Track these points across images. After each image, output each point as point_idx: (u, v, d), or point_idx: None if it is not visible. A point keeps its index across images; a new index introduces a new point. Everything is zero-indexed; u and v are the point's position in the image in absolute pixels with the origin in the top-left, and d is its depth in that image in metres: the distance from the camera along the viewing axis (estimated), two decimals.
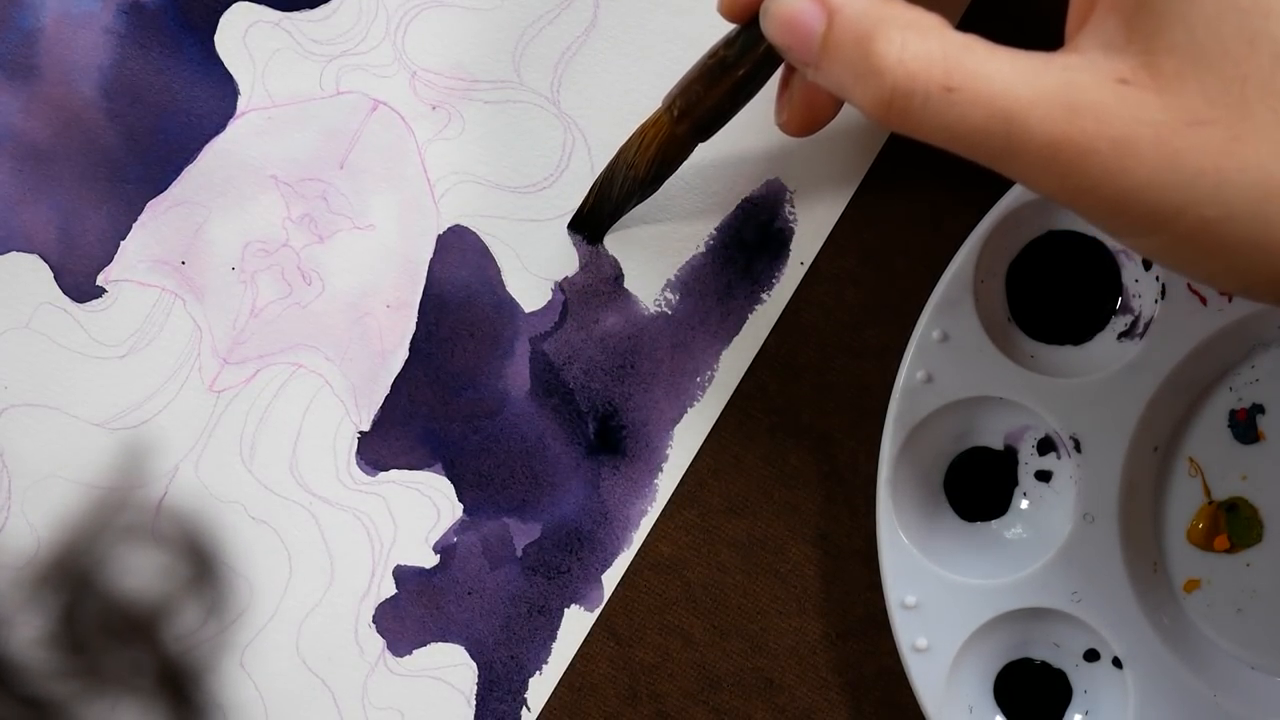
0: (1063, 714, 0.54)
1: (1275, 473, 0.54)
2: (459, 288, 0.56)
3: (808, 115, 0.50)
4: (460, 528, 0.56)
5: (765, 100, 0.53)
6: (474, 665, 0.56)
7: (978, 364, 0.53)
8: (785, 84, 0.50)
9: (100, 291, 0.56)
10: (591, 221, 0.55)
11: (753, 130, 0.55)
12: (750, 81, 0.50)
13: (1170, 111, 0.41)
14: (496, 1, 0.56)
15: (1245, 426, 0.54)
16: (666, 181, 0.53)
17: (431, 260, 0.56)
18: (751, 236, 0.56)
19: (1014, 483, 0.55)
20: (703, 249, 0.56)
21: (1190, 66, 0.41)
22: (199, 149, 0.56)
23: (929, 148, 0.55)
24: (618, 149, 0.53)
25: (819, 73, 0.45)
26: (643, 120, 0.52)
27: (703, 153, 0.54)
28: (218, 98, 0.56)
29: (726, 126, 0.52)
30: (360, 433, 0.56)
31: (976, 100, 0.42)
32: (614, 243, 0.56)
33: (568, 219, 0.56)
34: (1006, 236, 0.53)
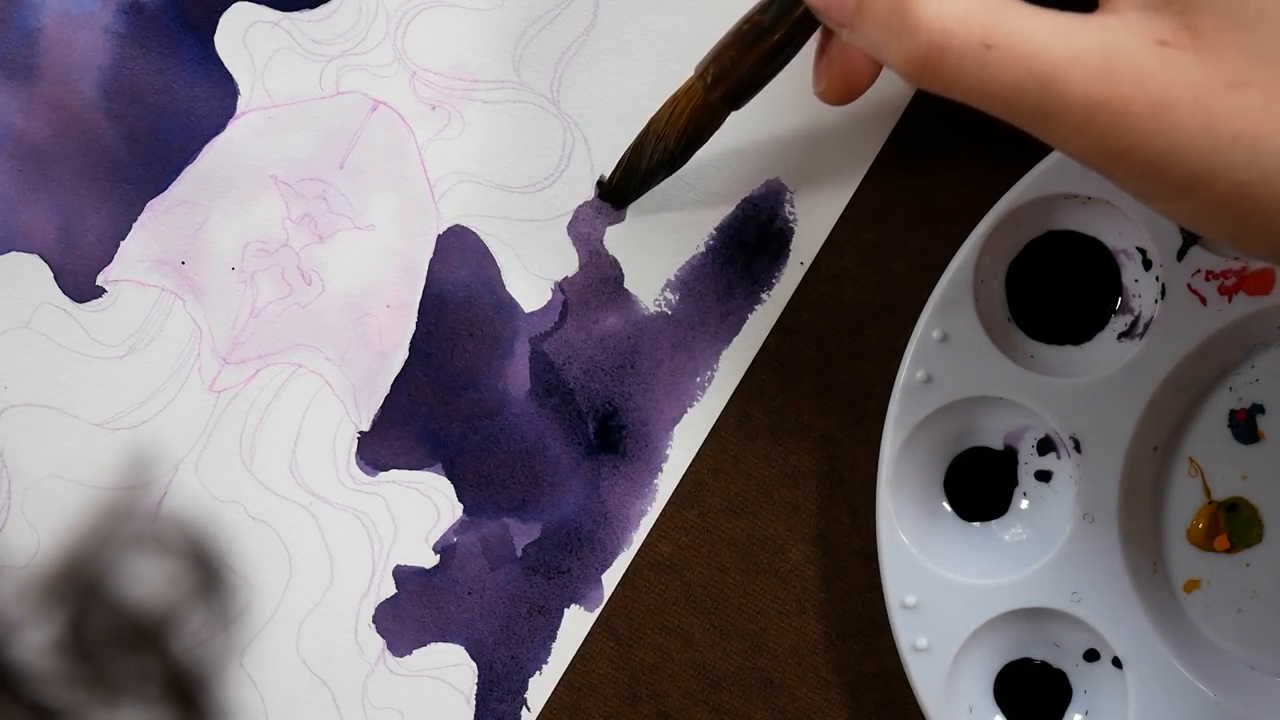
0: (1063, 714, 0.54)
1: (1275, 473, 0.54)
2: (459, 288, 0.56)
3: (846, 82, 0.49)
4: (460, 528, 0.56)
5: (765, 99, 0.53)
6: (474, 665, 0.56)
7: (978, 364, 0.53)
8: (822, 51, 0.50)
9: (100, 291, 0.56)
10: (619, 192, 0.55)
11: (753, 130, 0.55)
12: (785, 46, 0.50)
13: (1209, 74, 0.41)
14: (496, 1, 0.56)
15: (1245, 426, 0.54)
16: (692, 160, 0.53)
17: (431, 260, 0.56)
18: (751, 236, 0.55)
19: (1014, 483, 0.55)
20: (703, 249, 0.56)
21: (1229, 28, 0.41)
22: (199, 149, 0.56)
23: (928, 147, 0.55)
24: (649, 119, 0.53)
25: (854, 33, 0.45)
26: (673, 91, 0.52)
27: (702, 152, 0.54)
28: (218, 98, 0.56)
29: (726, 126, 0.52)
30: (360, 433, 0.56)
31: (1014, 59, 0.42)
32: (614, 243, 0.56)
33: (568, 219, 0.56)
34: (1006, 236, 0.53)
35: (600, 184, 0.55)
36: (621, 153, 0.54)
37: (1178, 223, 0.44)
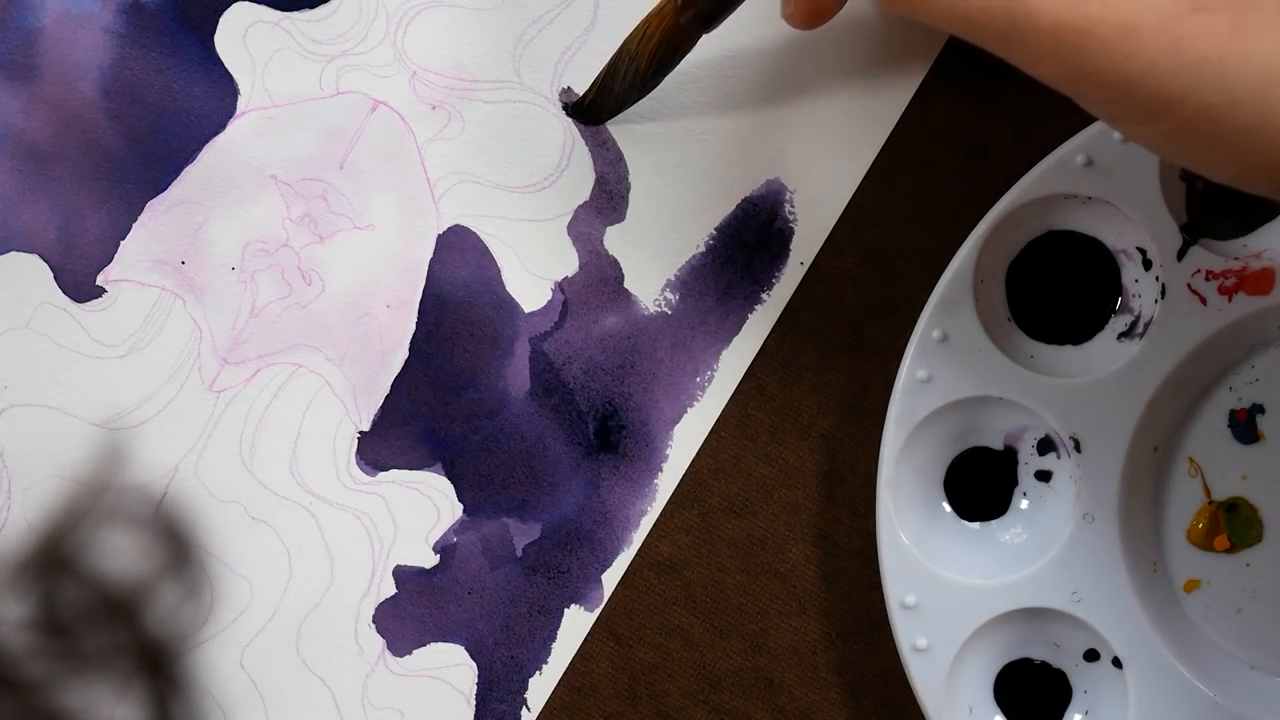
0: (1063, 714, 0.54)
1: (1275, 473, 0.54)
2: (459, 288, 0.56)
3: (813, 6, 0.49)
4: (460, 528, 0.56)
5: (764, 98, 0.53)
6: (474, 665, 0.56)
7: (978, 364, 0.53)
8: None
9: (100, 291, 0.56)
10: (590, 112, 0.55)
11: (753, 130, 0.55)
12: None
13: None
14: (496, 1, 0.56)
15: (1245, 426, 0.54)
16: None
17: (431, 260, 0.56)
18: (751, 236, 0.56)
19: (1014, 483, 0.55)
20: (703, 249, 0.56)
21: None
22: (199, 149, 0.56)
23: (928, 147, 0.55)
24: (622, 40, 0.53)
25: None
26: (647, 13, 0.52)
27: (703, 152, 0.54)
28: (218, 98, 0.56)
29: (726, 127, 0.52)
30: (360, 433, 0.56)
31: None
32: (614, 243, 0.56)
33: (568, 219, 0.56)
34: (1006, 236, 0.53)
35: (569, 104, 0.55)
36: (595, 77, 0.54)
37: (1149, 149, 0.44)
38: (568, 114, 0.55)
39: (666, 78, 0.53)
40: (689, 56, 0.53)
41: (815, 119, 0.55)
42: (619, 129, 0.55)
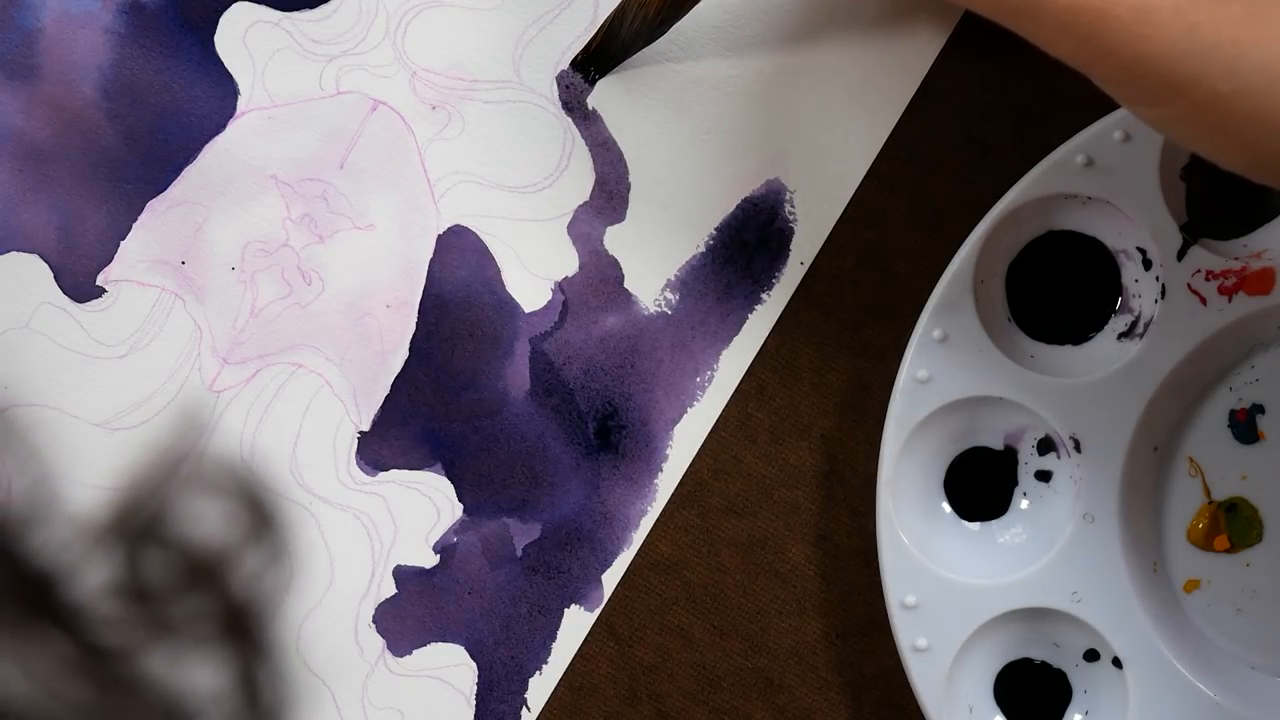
0: (1063, 714, 0.54)
1: (1275, 473, 0.54)
2: (459, 288, 0.56)
3: None
4: (460, 528, 0.56)
5: (764, 98, 0.53)
6: (474, 665, 0.56)
7: (978, 364, 0.53)
8: None
9: (100, 291, 0.56)
10: (596, 60, 0.55)
11: (753, 131, 0.55)
12: None
13: None
14: (496, 1, 0.56)
15: (1245, 426, 0.54)
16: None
17: (431, 260, 0.56)
18: (751, 236, 0.55)
19: (1014, 483, 0.55)
20: (703, 249, 0.56)
21: None
22: (199, 149, 0.56)
23: (928, 147, 0.55)
24: None
25: None
26: None
27: (703, 152, 0.54)
28: (218, 98, 0.56)
29: (726, 128, 0.52)
30: (360, 433, 0.56)
31: None
32: (614, 243, 0.56)
33: (568, 219, 0.56)
34: (1006, 236, 0.53)
35: (575, 59, 0.55)
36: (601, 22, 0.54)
37: (1160, 131, 0.45)
38: (574, 69, 0.55)
39: (671, 78, 0.53)
40: (689, 55, 0.53)
41: (815, 119, 0.55)
42: (619, 129, 0.55)
